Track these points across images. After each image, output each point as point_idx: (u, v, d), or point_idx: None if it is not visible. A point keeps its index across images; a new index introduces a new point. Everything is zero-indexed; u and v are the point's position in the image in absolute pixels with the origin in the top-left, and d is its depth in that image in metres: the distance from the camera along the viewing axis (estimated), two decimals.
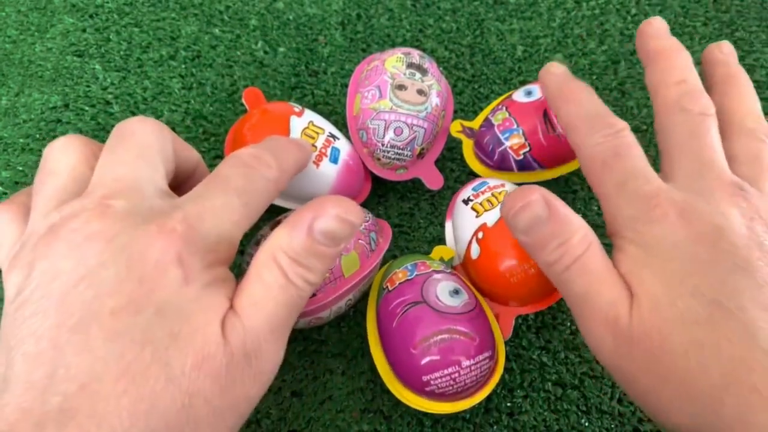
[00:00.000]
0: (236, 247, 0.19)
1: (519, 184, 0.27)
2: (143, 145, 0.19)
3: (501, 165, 0.29)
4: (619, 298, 0.18)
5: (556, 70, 0.24)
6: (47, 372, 0.14)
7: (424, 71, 0.28)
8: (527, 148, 0.27)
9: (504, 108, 0.29)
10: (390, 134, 0.27)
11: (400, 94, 0.27)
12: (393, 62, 0.28)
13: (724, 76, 0.23)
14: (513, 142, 0.28)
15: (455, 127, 0.30)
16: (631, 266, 0.19)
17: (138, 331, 0.15)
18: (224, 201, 0.18)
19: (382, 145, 0.27)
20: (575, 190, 0.31)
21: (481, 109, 0.33)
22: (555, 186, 0.30)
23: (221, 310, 0.17)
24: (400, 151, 0.27)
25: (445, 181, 0.30)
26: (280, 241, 0.18)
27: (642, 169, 0.20)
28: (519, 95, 0.28)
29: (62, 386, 0.14)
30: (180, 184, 0.23)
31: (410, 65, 0.28)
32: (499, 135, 0.28)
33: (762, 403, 0.16)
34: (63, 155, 0.19)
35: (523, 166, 0.28)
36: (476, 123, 0.31)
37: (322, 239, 0.18)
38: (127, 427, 0.14)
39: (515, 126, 0.28)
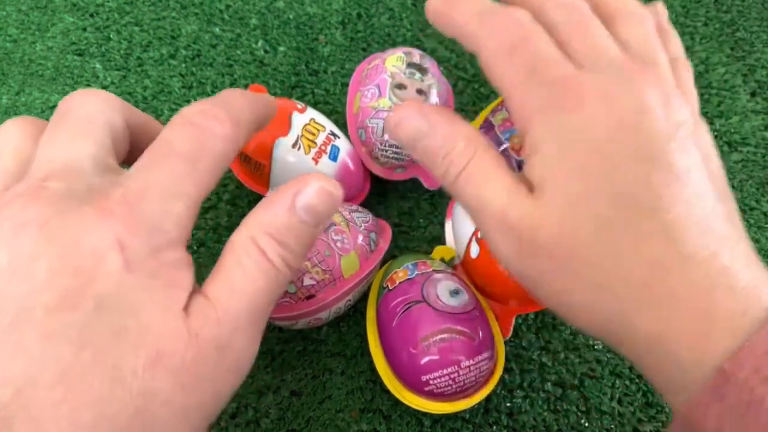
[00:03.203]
0: (191, 222, 0.16)
1: None
2: (85, 120, 0.17)
3: None
4: (515, 199, 0.17)
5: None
6: None
7: (424, 71, 0.28)
8: None
9: (504, 108, 0.28)
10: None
11: (399, 93, 0.27)
12: (393, 61, 0.28)
13: None
14: (514, 143, 0.28)
15: None
16: (545, 166, 0.17)
17: (75, 330, 0.13)
18: (169, 171, 0.16)
19: (381, 144, 0.27)
20: None
21: (482, 108, 0.33)
22: None
23: (179, 299, 0.15)
24: (398, 151, 0.27)
25: None
26: (259, 220, 0.16)
27: (554, 53, 0.18)
28: None
29: None
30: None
31: (410, 65, 0.28)
32: (500, 136, 0.28)
33: (677, 311, 0.15)
34: (6, 138, 0.17)
35: None
36: (476, 124, 0.31)
37: (304, 215, 0.16)
38: None
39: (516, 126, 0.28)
